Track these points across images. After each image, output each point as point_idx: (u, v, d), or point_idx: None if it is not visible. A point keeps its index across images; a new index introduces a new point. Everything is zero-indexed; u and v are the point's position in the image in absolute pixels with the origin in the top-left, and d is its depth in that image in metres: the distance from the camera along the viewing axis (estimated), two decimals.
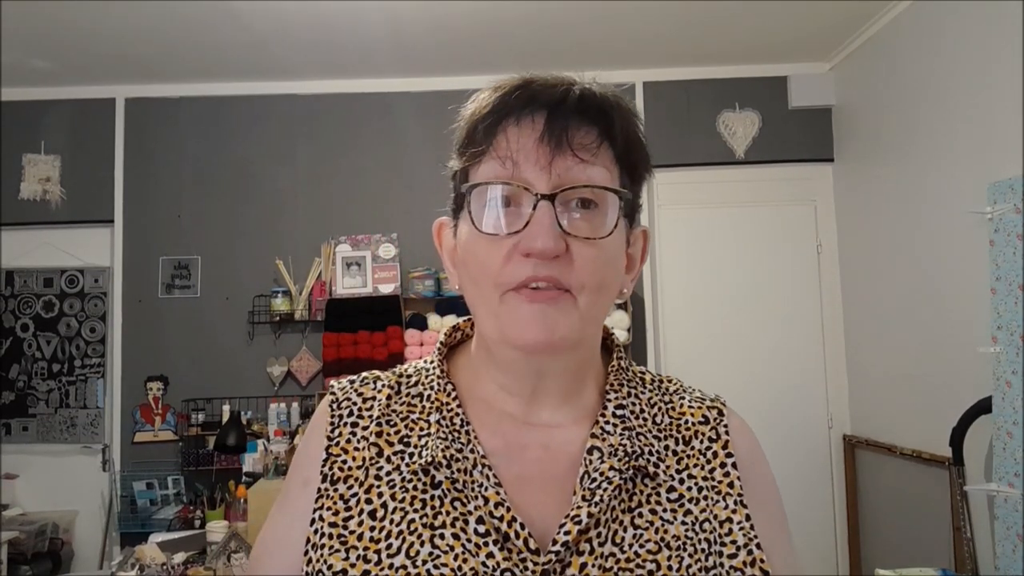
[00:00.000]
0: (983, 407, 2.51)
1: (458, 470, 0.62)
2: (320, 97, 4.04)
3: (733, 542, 0.63)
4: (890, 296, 3.41)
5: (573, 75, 0.66)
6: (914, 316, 3.19)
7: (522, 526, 0.59)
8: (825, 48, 3.81)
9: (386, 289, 3.80)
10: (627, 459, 0.63)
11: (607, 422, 0.66)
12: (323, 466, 0.66)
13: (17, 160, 3.96)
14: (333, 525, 0.63)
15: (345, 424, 0.68)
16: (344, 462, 0.66)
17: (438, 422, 0.66)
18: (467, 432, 0.65)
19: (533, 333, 0.60)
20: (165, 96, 4.01)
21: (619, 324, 3.74)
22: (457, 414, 0.67)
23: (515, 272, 0.60)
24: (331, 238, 3.90)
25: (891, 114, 3.38)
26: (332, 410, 0.69)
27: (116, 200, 3.97)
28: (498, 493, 0.61)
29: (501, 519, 0.60)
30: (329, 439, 0.67)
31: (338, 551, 0.61)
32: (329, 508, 0.64)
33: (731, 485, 0.66)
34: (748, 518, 0.65)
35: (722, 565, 0.62)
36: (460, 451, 0.63)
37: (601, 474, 0.62)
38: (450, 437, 0.64)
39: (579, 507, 0.60)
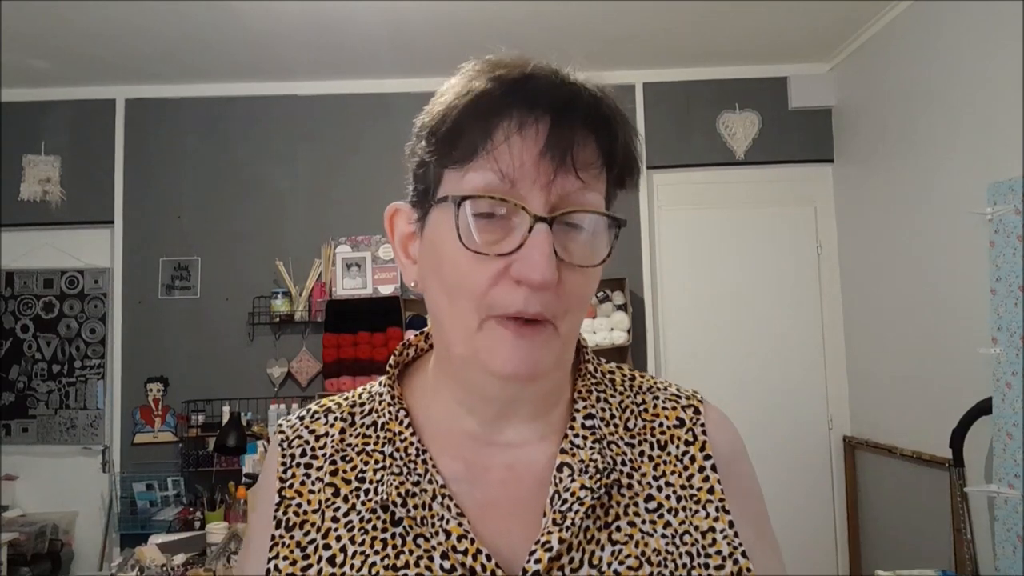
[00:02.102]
0: (983, 408, 2.51)
1: (415, 506, 0.58)
2: (320, 97, 4.04)
3: (718, 552, 0.59)
4: (890, 296, 3.41)
5: (567, 69, 0.60)
6: (914, 317, 3.19)
7: (488, 558, 0.56)
8: (825, 48, 3.81)
9: (386, 290, 3.80)
10: (599, 476, 0.59)
11: (576, 435, 0.62)
12: (276, 510, 0.62)
13: (17, 160, 3.96)
14: None
15: (298, 465, 0.64)
16: (299, 506, 0.62)
17: (391, 455, 0.61)
18: (424, 461, 0.61)
19: (514, 365, 0.55)
20: (165, 96, 4.01)
21: (619, 324, 3.74)
22: (412, 443, 0.62)
23: (504, 300, 0.55)
24: (331, 239, 3.91)
25: (891, 114, 3.38)
26: (283, 450, 0.65)
27: (116, 200, 3.97)
28: (460, 525, 0.57)
29: (466, 552, 0.56)
30: (282, 481, 0.63)
31: None
32: (286, 558, 0.60)
33: (711, 491, 0.62)
34: (731, 525, 0.61)
35: None
36: (417, 484, 0.59)
37: (572, 494, 0.58)
38: (405, 471, 0.60)
39: (549, 531, 0.56)
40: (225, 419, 3.67)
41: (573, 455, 0.61)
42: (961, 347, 2.77)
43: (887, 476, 3.47)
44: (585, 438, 0.62)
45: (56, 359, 3.93)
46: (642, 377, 0.70)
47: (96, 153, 3.99)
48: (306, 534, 0.61)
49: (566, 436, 0.62)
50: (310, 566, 0.59)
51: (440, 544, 0.57)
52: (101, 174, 3.97)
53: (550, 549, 0.56)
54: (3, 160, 3.95)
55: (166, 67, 3.79)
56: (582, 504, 0.58)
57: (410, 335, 3.79)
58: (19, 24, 3.22)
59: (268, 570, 0.60)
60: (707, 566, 0.59)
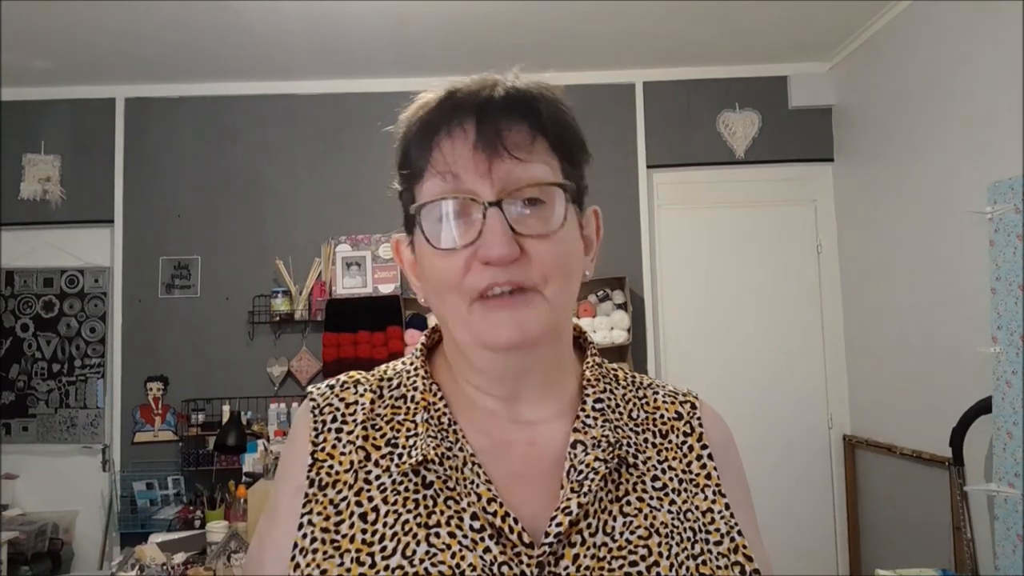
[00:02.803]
0: (983, 407, 2.51)
1: (450, 467, 0.63)
2: (320, 97, 4.04)
3: (717, 530, 0.65)
4: (890, 296, 3.41)
5: (497, 75, 0.66)
6: (914, 316, 3.19)
7: (515, 521, 0.60)
8: (825, 48, 3.81)
9: (386, 289, 3.81)
10: (611, 449, 0.65)
11: (587, 416, 0.68)
12: (309, 471, 0.66)
13: (17, 160, 3.96)
14: (325, 531, 0.63)
15: (329, 430, 0.68)
16: (331, 467, 0.66)
17: (426, 421, 0.66)
18: (455, 431, 0.67)
19: (507, 334, 0.61)
20: (165, 96, 4.01)
21: (619, 324, 3.74)
22: (444, 413, 0.68)
23: (476, 280, 0.61)
24: (331, 238, 3.91)
25: (891, 114, 3.38)
26: (315, 416, 0.69)
27: (116, 200, 3.97)
28: (490, 490, 0.62)
29: (495, 514, 0.61)
30: (314, 444, 0.68)
31: (332, 556, 0.61)
32: (320, 513, 0.64)
33: (708, 476, 0.68)
34: (727, 507, 0.67)
35: (710, 552, 0.63)
36: (450, 449, 0.65)
37: (587, 465, 0.64)
38: (439, 436, 0.65)
39: (568, 499, 0.62)
40: (225, 418, 3.68)
41: (585, 433, 0.67)
42: (961, 346, 2.77)
43: (887, 475, 3.47)
44: (595, 419, 0.68)
45: (56, 358, 3.93)
46: (642, 377, 0.77)
47: (96, 152, 3.98)
48: (339, 492, 0.65)
49: (578, 417, 0.68)
50: (342, 521, 0.63)
51: (471, 505, 0.62)
52: (101, 173, 3.97)
53: (570, 513, 0.61)
54: (3, 159, 3.95)
55: (166, 67, 3.79)
56: (596, 473, 0.63)
57: (410, 334, 3.79)
58: (19, 24, 3.22)
59: (301, 524, 0.64)
60: (707, 541, 0.64)
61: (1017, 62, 2.51)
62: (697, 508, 0.66)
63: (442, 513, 0.62)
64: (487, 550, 0.59)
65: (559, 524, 0.60)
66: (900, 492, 3.35)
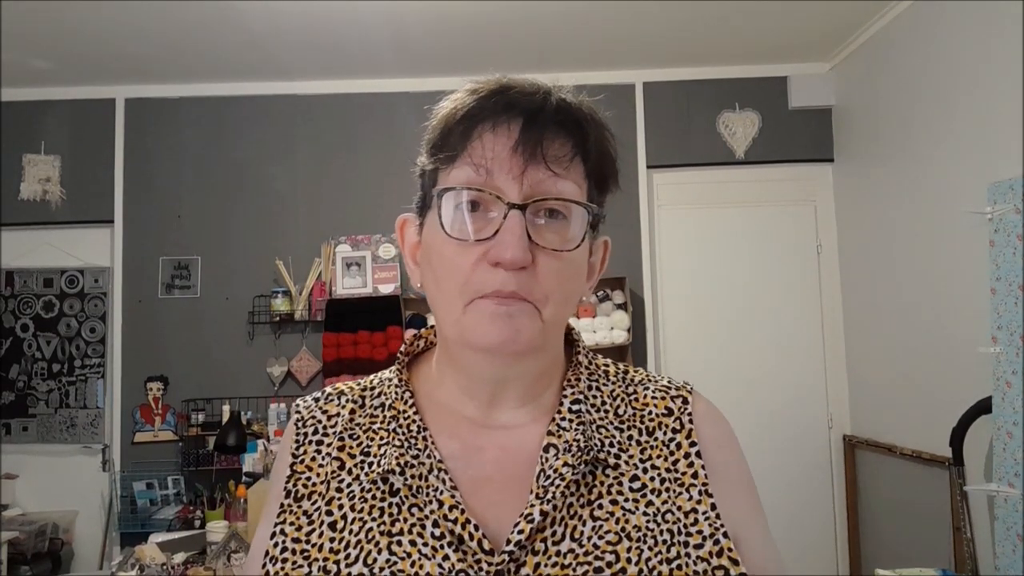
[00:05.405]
0: (983, 407, 2.51)
1: (412, 476, 0.63)
2: (320, 97, 4.04)
3: (699, 532, 0.63)
4: (890, 296, 3.41)
5: (549, 83, 0.66)
6: (914, 316, 3.19)
7: (476, 527, 0.60)
8: (825, 48, 3.81)
9: (386, 289, 3.80)
10: (580, 454, 0.63)
11: (563, 418, 0.67)
12: (287, 483, 0.68)
13: (17, 160, 3.96)
14: (296, 540, 0.64)
15: (309, 442, 0.69)
16: (308, 479, 0.67)
17: (394, 430, 0.67)
18: (424, 438, 0.66)
19: (496, 335, 0.60)
20: (165, 96, 4.01)
21: (619, 324, 3.74)
22: (414, 421, 0.67)
23: (482, 281, 0.60)
24: (331, 238, 3.90)
25: (891, 114, 3.38)
26: (298, 428, 0.71)
27: (116, 200, 3.97)
28: (453, 496, 0.62)
29: (455, 522, 0.60)
30: (294, 456, 0.69)
31: (300, 566, 0.62)
32: (292, 523, 0.65)
33: (695, 475, 0.66)
34: (713, 507, 0.64)
35: (688, 555, 0.61)
36: (416, 457, 0.64)
37: (555, 471, 0.63)
38: (405, 444, 0.65)
39: (532, 505, 0.61)
40: (225, 418, 3.67)
41: (559, 436, 0.65)
42: (961, 346, 2.77)
43: (887, 475, 3.47)
44: (571, 421, 0.66)
45: (56, 358, 3.93)
46: (635, 371, 0.75)
47: (96, 153, 3.99)
48: (313, 503, 0.66)
49: (553, 419, 0.67)
50: (313, 531, 0.64)
51: (433, 513, 0.61)
52: (101, 174, 3.97)
53: (532, 521, 0.60)
54: (3, 160, 3.95)
55: (166, 67, 3.79)
56: (563, 479, 0.62)
57: (410, 333, 3.80)
58: (19, 24, 3.22)
59: (274, 533, 0.65)
60: (687, 544, 0.62)
61: (1017, 62, 2.51)
62: (679, 509, 0.64)
63: (405, 521, 0.62)
64: (446, 558, 0.59)
65: (521, 531, 0.59)
66: (900, 492, 3.35)
